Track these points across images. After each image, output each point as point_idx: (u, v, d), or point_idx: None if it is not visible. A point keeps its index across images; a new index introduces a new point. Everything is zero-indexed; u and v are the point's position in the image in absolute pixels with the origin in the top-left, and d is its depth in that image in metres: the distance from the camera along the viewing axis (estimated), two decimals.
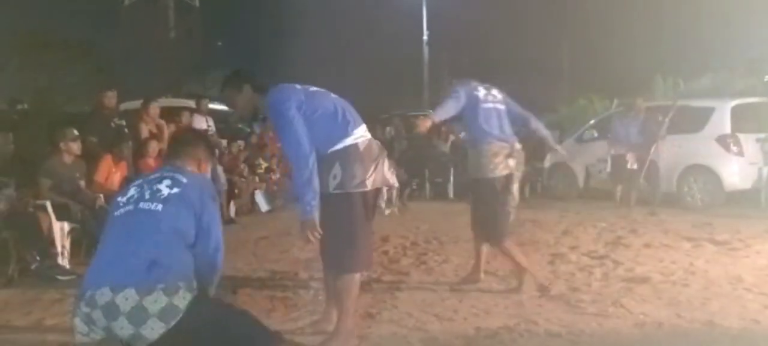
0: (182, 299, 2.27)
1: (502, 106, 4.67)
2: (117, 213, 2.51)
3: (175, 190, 2.50)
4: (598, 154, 9.81)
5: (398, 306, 4.14)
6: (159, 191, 2.50)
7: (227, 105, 3.47)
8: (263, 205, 4.57)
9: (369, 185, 3.37)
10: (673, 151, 8.93)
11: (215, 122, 9.23)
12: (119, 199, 2.57)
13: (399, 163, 11.68)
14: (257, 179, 10.19)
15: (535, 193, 11.54)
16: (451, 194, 11.59)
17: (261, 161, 10.67)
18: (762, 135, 8.61)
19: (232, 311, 2.53)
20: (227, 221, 8.71)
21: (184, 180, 2.56)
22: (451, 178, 11.80)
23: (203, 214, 2.50)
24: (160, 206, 2.44)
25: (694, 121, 9.11)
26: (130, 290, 2.23)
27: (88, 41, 21.39)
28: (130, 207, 2.48)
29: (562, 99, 18.20)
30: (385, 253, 6.00)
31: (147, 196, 2.49)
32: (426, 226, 7.87)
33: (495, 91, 4.74)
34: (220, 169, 8.91)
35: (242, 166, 10.08)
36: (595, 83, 16.96)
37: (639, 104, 8.90)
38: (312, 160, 3.23)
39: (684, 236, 6.43)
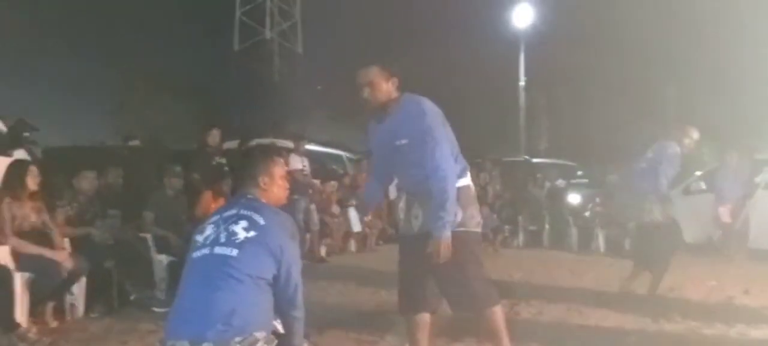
0: None
1: None
2: (195, 255, 2.48)
3: (252, 233, 2.44)
4: (706, 208, 9.15)
5: None
6: (235, 234, 2.44)
7: (365, 88, 3.24)
8: (356, 224, 4.60)
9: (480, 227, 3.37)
10: None
11: (310, 163, 9.44)
12: (197, 237, 2.54)
13: (492, 208, 11.46)
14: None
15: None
16: (545, 243, 11.19)
17: (353, 202, 10.76)
18: None
19: None
20: (318, 260, 8.83)
21: (262, 222, 2.49)
22: (546, 225, 11.41)
23: (283, 256, 2.46)
24: (235, 252, 2.40)
25: None
26: (207, 344, 2.22)
27: (200, 84, 22.77)
28: (206, 251, 2.44)
29: None
30: None
31: (222, 239, 2.43)
32: (519, 274, 7.58)
33: None
34: (313, 207, 9.07)
35: (335, 206, 10.20)
36: (703, 128, 15.99)
37: (730, 157, 8.31)
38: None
39: None
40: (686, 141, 5.52)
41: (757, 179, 8.17)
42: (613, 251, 10.63)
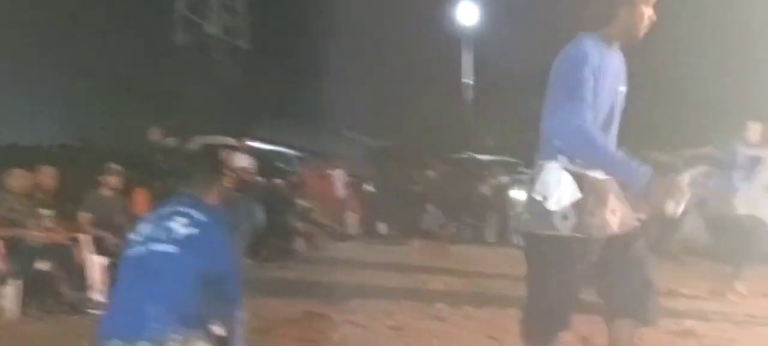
0: None
1: None
2: (130, 253, 2.39)
3: (192, 230, 2.38)
4: None
5: None
6: (173, 231, 2.37)
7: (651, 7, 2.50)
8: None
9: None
10: None
11: (256, 161, 9.31)
12: (132, 236, 2.46)
13: (438, 205, 11.58)
14: (297, 218, 10.18)
15: None
16: (491, 239, 11.36)
17: (301, 201, 10.67)
18: None
19: None
20: (264, 260, 8.71)
21: (202, 219, 2.43)
22: (492, 222, 11.59)
23: (224, 254, 2.41)
24: (173, 249, 2.33)
25: None
26: (143, 343, 2.15)
27: (140, 80, 22.16)
28: (142, 249, 2.36)
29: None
30: (420, 297, 5.84)
31: (160, 236, 2.36)
32: (463, 269, 7.67)
33: None
34: (259, 208, 8.93)
35: (282, 205, 10.09)
36: (645, 128, 16.53)
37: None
38: None
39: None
40: None
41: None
42: None
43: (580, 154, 2.43)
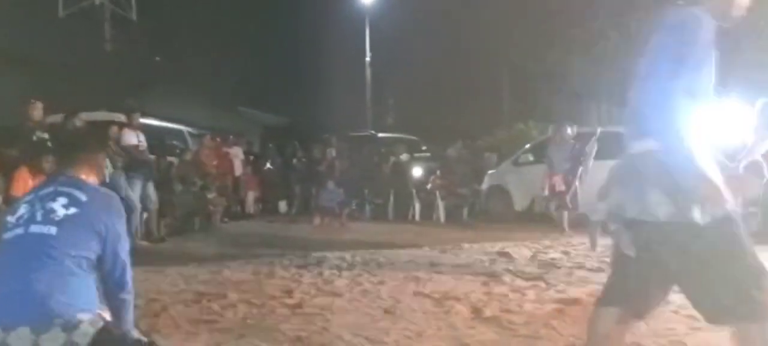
0: (83, 336, 2.06)
1: None
2: (7, 236, 2.24)
3: (73, 210, 2.26)
4: (533, 177, 9.95)
5: (329, 329, 4.01)
6: (53, 211, 2.25)
7: None
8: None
9: None
10: (604, 176, 9.11)
11: (148, 138, 8.91)
12: (9, 218, 2.31)
13: (339, 183, 11.61)
14: (192, 197, 9.90)
15: (473, 214, 11.64)
16: (390, 216, 11.54)
17: (196, 179, 10.37)
18: None
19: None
20: (158, 241, 8.42)
21: (83, 198, 2.31)
22: (391, 198, 11.77)
23: (108, 235, 2.30)
24: (53, 229, 2.21)
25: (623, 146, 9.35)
26: (23, 328, 2.02)
27: (22, 54, 20.58)
28: (20, 230, 2.23)
29: (501, 123, 18.53)
30: (319, 274, 5.86)
31: (39, 217, 2.24)
32: (365, 246, 7.76)
33: None
34: (151, 186, 8.60)
35: (176, 184, 9.77)
36: (533, 109, 17.35)
37: (566, 131, 9.07)
38: None
39: None
40: None
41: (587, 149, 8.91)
42: (452, 221, 11.27)
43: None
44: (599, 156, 8.81)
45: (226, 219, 10.82)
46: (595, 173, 8.88)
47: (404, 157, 13.05)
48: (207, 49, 22.10)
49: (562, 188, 8.66)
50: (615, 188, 2.44)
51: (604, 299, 2.52)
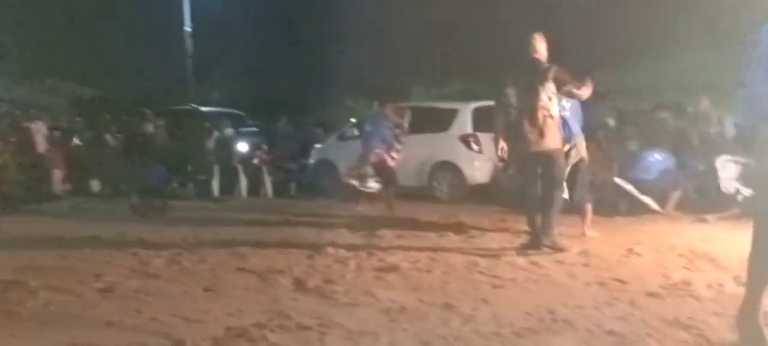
0: None
1: None
2: None
3: None
4: (356, 152, 10.16)
5: (143, 312, 3.83)
6: None
7: None
8: None
9: None
10: (424, 150, 9.63)
11: None
12: None
13: (160, 160, 11.04)
14: None
15: (301, 189, 11.68)
16: (216, 192, 11.21)
17: None
18: None
19: None
20: None
21: None
22: (217, 175, 11.41)
23: None
24: None
25: (442, 121, 9.94)
26: None
27: None
28: None
29: (331, 100, 18.70)
30: (135, 255, 5.54)
31: None
32: (186, 224, 7.46)
33: None
34: None
35: None
36: (361, 86, 17.70)
37: (385, 106, 9.36)
38: None
39: (432, 226, 6.96)
40: None
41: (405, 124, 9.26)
42: (280, 196, 11.23)
43: None
44: (415, 131, 9.29)
45: (28, 200, 9.80)
46: (411, 147, 9.38)
47: (229, 131, 12.67)
48: (8, 16, 19.70)
49: (390, 161, 8.92)
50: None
51: None
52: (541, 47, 5.55)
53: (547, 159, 5.51)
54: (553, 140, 5.49)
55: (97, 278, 4.68)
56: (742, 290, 3.92)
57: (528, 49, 5.54)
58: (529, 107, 5.40)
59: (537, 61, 5.52)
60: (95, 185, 11.70)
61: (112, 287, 4.44)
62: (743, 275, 4.23)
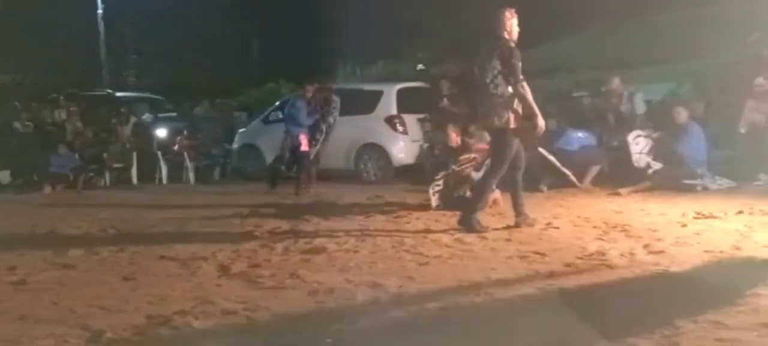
0: None
1: None
2: None
3: None
4: (281, 135, 10.04)
5: (59, 303, 3.67)
6: None
7: None
8: None
9: None
10: (350, 131, 9.63)
11: None
12: None
13: (72, 147, 10.56)
14: None
15: (225, 174, 11.46)
16: (134, 180, 10.82)
17: None
18: (421, 115, 9.75)
19: None
20: None
21: None
22: (134, 162, 11.01)
23: None
24: None
25: (367, 103, 9.95)
26: None
27: None
28: None
29: (252, 82, 18.34)
30: (49, 246, 5.29)
31: None
32: (104, 214, 7.18)
33: None
34: None
35: None
36: (284, 68, 17.45)
37: (305, 89, 9.26)
38: None
39: (359, 208, 6.99)
40: None
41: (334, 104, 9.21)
42: (203, 182, 10.97)
43: None
44: (341, 113, 9.27)
45: None
46: (339, 128, 9.36)
47: (147, 117, 12.26)
48: None
49: (306, 146, 8.86)
50: None
51: None
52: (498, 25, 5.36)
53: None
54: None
55: (10, 270, 4.46)
56: (651, 258, 4.20)
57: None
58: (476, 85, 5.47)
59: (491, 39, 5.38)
60: (5, 175, 11.06)
61: (25, 279, 4.24)
62: (653, 244, 4.55)
